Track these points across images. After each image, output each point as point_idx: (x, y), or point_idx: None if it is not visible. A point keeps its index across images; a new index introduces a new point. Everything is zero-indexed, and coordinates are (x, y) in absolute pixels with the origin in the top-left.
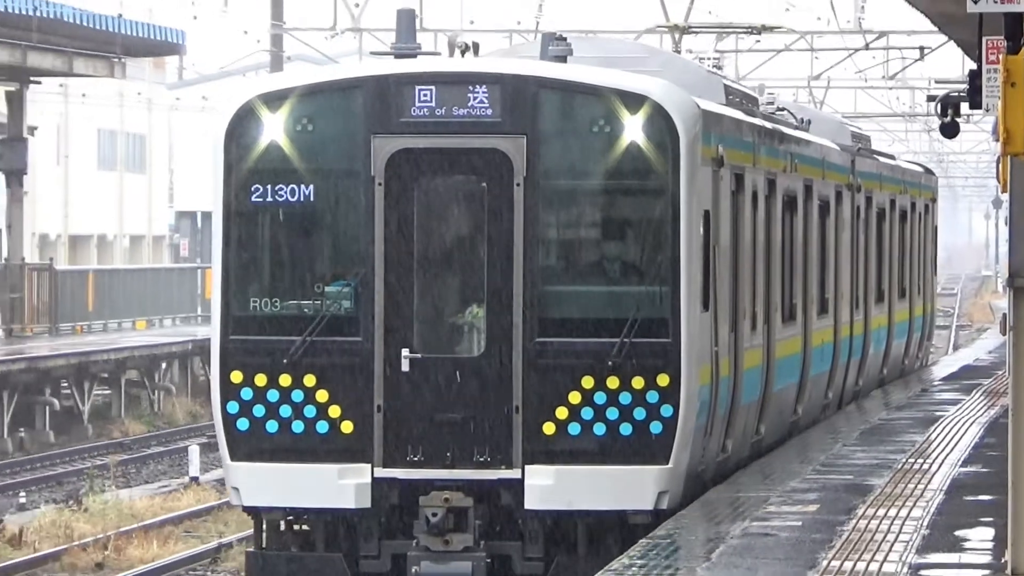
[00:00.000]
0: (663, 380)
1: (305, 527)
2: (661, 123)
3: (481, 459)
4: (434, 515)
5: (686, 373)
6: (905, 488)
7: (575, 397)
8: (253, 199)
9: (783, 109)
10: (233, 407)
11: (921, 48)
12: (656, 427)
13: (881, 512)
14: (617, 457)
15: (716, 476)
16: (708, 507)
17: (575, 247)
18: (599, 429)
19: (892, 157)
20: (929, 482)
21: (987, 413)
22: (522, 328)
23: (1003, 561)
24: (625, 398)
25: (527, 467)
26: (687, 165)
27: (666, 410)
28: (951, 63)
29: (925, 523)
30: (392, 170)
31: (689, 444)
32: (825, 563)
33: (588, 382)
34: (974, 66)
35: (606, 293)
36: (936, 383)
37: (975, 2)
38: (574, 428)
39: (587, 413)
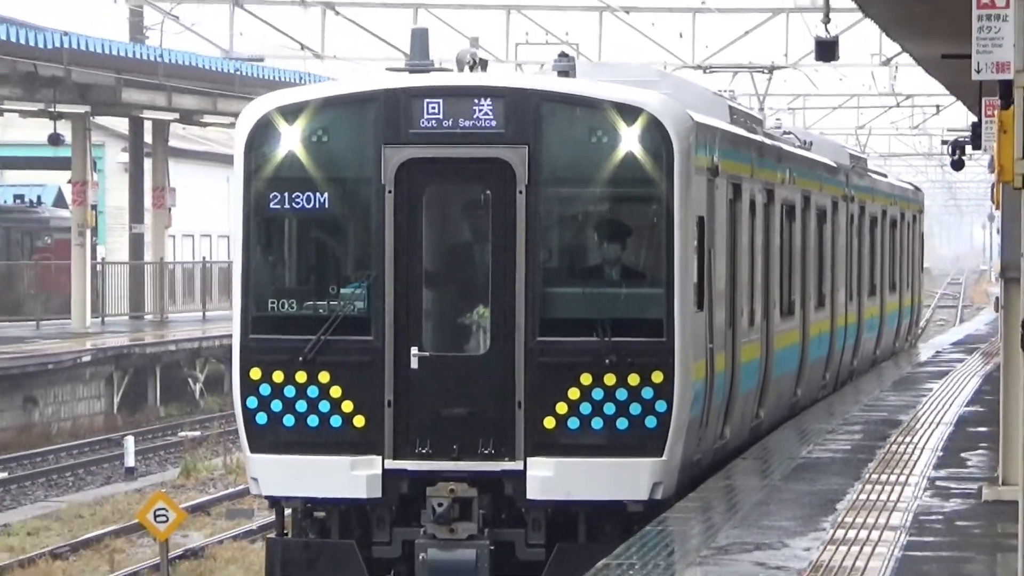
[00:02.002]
0: (657, 377)
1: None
2: (656, 133)
3: (485, 452)
4: (440, 505)
5: (680, 370)
6: (924, 422)
7: (574, 393)
8: (271, 206)
9: (788, 132)
10: (252, 402)
11: (937, 106)
12: (651, 422)
13: (907, 439)
14: (614, 450)
15: (715, 462)
16: (779, 439)
17: (574, 251)
18: (597, 423)
19: (884, 175)
20: (942, 418)
21: (984, 368)
22: (524, 328)
23: (995, 475)
24: (621, 394)
25: (529, 459)
26: (681, 173)
27: (660, 405)
28: (959, 116)
29: (939, 447)
30: (402, 178)
31: (683, 437)
32: (867, 475)
33: (587, 379)
34: (976, 119)
35: (603, 295)
36: (947, 347)
37: (977, 72)
38: (573, 423)
39: (586, 408)
